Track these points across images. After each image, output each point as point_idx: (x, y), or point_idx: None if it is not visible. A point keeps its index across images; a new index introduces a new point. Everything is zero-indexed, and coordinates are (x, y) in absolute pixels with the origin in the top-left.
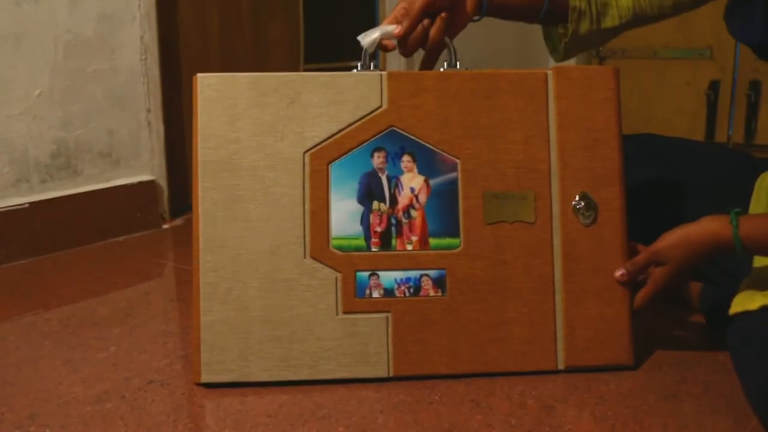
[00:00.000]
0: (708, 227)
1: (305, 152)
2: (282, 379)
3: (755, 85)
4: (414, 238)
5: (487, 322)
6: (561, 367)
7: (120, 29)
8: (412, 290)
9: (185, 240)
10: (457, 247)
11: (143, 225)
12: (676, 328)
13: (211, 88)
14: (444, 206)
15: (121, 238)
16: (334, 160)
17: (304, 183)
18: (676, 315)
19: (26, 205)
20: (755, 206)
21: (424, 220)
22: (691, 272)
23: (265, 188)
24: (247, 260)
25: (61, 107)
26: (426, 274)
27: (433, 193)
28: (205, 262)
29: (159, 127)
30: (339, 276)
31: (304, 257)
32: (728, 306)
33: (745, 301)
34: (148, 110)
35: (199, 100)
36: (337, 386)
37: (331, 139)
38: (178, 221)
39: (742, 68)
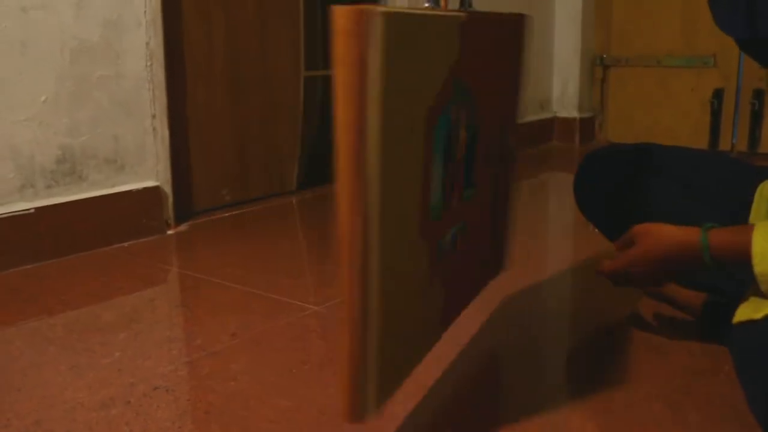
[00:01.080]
0: (680, 240)
1: (428, 107)
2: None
3: (759, 94)
4: (457, 194)
5: (476, 261)
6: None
7: (125, 35)
8: (451, 247)
9: (189, 246)
10: (472, 196)
11: (148, 231)
12: (681, 339)
13: (398, 30)
14: (470, 157)
15: (125, 244)
16: (437, 116)
17: (423, 143)
18: (681, 326)
19: (32, 211)
20: (755, 216)
21: (463, 174)
22: (687, 282)
23: (406, 150)
24: (397, 244)
25: (67, 113)
26: (459, 228)
27: (467, 146)
28: (382, 250)
29: (164, 132)
30: (429, 249)
31: (417, 233)
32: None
33: (750, 311)
34: (153, 116)
35: (384, 43)
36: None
37: (438, 93)
38: (183, 227)
39: (746, 76)
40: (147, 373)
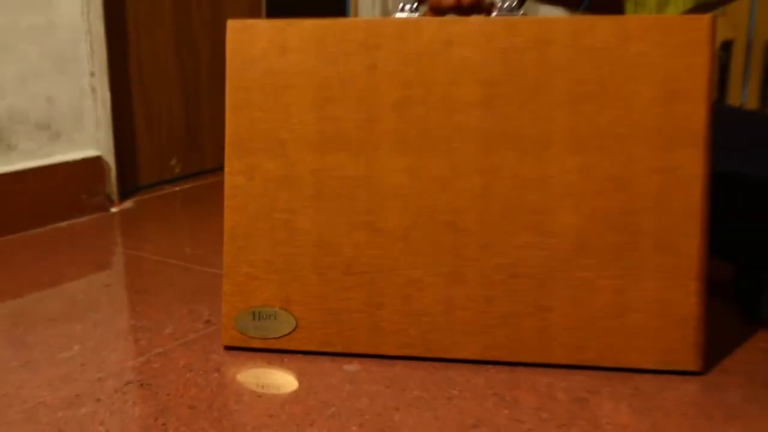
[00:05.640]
0: None
1: None
2: None
3: None
4: None
5: None
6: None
7: None
8: None
9: (138, 224)
10: None
11: (88, 208)
12: (715, 316)
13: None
14: None
15: (64, 224)
16: None
17: None
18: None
19: None
20: None
21: None
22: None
23: None
24: None
25: None
26: None
27: None
28: None
29: (104, 93)
30: None
31: None
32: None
33: None
34: (92, 74)
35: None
36: (343, 383)
37: None
38: (128, 203)
39: (758, 26)
40: (115, 366)
